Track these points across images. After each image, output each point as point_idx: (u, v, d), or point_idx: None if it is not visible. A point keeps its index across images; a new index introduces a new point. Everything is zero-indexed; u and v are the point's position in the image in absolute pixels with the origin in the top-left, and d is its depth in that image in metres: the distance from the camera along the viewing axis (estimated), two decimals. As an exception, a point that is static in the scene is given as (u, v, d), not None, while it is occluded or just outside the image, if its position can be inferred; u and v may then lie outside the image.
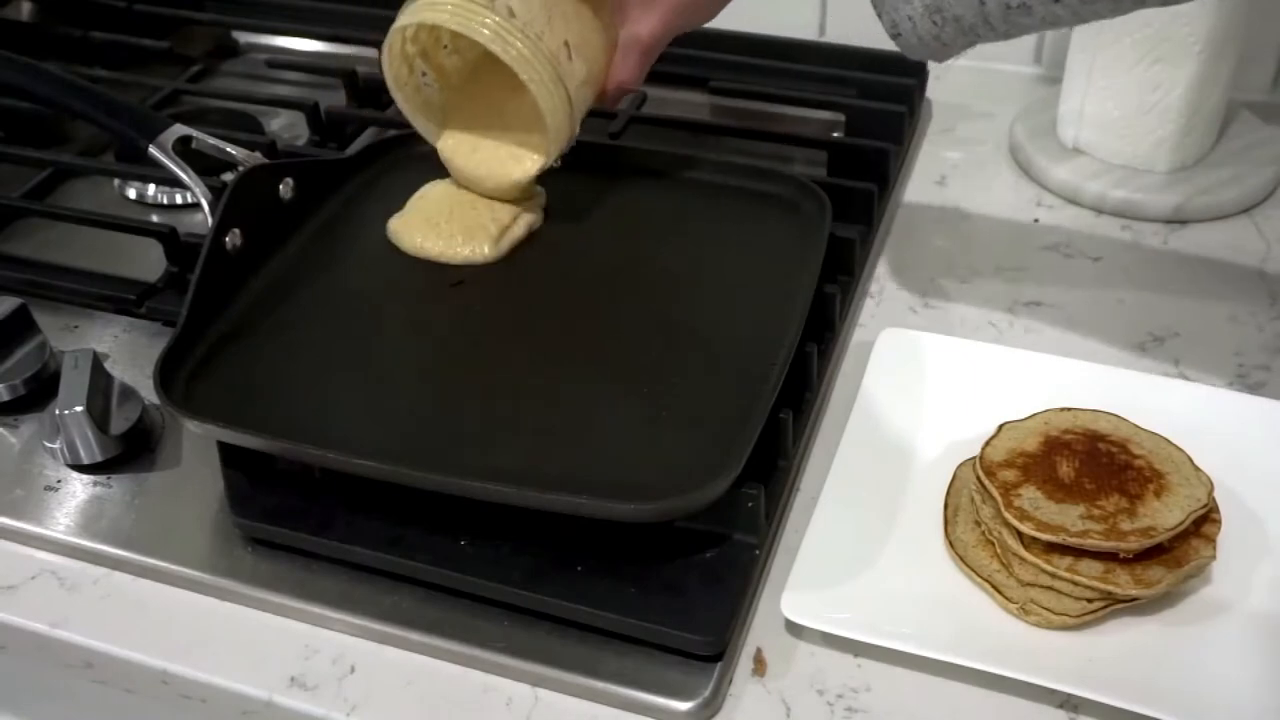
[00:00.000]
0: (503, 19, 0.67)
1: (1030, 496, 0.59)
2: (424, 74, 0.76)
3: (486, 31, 0.67)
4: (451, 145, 0.76)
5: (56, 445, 0.67)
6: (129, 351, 0.75)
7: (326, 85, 0.99)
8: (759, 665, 0.58)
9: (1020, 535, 0.58)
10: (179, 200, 0.87)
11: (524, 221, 0.76)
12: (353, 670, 0.59)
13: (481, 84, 0.76)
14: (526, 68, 0.68)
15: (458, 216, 0.76)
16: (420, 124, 0.76)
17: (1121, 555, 0.57)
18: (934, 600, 0.59)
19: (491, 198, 0.76)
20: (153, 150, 0.76)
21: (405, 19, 0.70)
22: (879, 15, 0.62)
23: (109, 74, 0.98)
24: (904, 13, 0.60)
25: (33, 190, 0.89)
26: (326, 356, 0.69)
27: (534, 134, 0.73)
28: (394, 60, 0.73)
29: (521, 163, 0.75)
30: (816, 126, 0.92)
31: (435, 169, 0.82)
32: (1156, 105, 0.83)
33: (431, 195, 0.78)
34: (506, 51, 0.67)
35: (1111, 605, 0.57)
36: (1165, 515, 0.58)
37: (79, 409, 0.65)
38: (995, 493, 0.59)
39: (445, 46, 0.76)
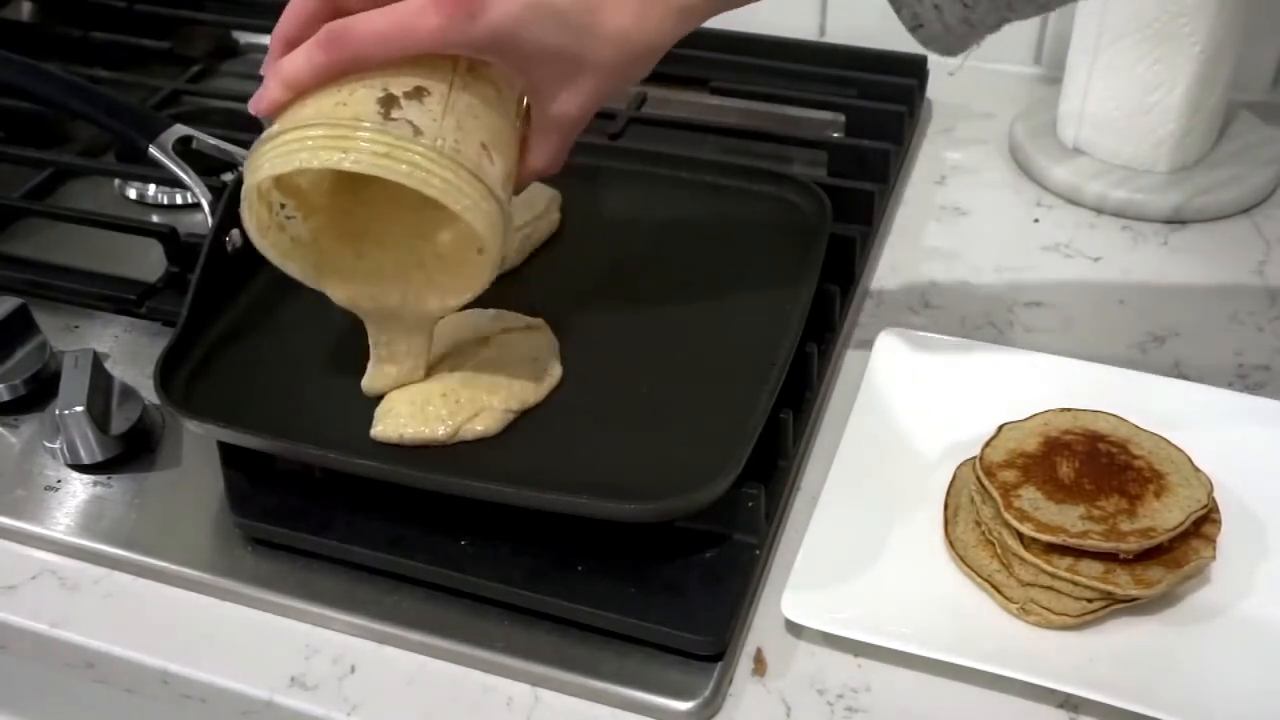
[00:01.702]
0: (407, 141, 0.53)
1: (1030, 497, 0.59)
2: (281, 206, 0.59)
3: (403, 168, 0.53)
4: (347, 293, 0.62)
5: (57, 445, 0.67)
6: (129, 351, 0.75)
7: (326, 85, 0.99)
8: (759, 665, 0.58)
9: (1020, 535, 0.58)
10: (179, 200, 0.87)
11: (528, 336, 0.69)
12: (353, 670, 0.59)
13: (352, 195, 0.61)
14: (455, 197, 0.54)
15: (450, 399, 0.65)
16: (296, 271, 0.61)
17: (1121, 556, 0.57)
18: (934, 600, 0.59)
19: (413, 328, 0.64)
20: (153, 150, 0.76)
21: (275, 167, 0.54)
22: (897, 11, 0.59)
23: (109, 74, 0.98)
24: (928, 3, 0.58)
25: (33, 190, 0.89)
26: (327, 356, 0.69)
27: (445, 242, 0.61)
28: (254, 207, 0.57)
29: (445, 289, 0.62)
30: (816, 126, 0.92)
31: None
32: (1156, 105, 0.83)
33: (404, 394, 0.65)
34: (428, 184, 0.53)
35: (1111, 605, 0.57)
36: (1165, 516, 0.58)
37: (79, 409, 0.65)
38: (995, 493, 0.59)
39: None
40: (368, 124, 0.53)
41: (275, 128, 0.55)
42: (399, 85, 0.54)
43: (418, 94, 0.54)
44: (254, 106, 0.56)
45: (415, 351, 0.64)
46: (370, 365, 0.65)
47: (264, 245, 0.59)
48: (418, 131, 0.53)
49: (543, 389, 0.65)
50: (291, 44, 0.56)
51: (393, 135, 0.53)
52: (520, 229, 0.76)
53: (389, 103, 0.53)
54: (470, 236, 0.57)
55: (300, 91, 0.55)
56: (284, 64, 0.55)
